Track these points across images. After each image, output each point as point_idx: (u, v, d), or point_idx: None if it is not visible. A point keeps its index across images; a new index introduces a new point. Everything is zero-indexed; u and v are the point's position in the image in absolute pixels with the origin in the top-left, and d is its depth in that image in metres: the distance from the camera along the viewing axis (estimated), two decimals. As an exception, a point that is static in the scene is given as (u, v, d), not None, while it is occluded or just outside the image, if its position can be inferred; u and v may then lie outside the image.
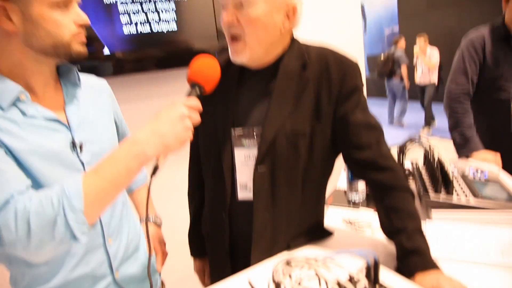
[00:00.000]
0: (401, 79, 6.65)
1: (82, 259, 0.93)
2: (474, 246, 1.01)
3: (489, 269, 0.91)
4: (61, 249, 0.84)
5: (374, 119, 0.97)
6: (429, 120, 6.41)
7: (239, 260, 1.03)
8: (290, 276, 0.60)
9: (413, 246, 0.86)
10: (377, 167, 0.94)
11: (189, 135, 0.79)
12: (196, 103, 0.81)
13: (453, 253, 0.98)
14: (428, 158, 1.32)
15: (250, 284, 0.57)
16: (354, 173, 1.03)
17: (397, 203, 0.91)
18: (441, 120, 6.26)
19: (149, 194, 0.86)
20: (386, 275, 0.75)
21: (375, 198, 0.97)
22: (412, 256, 0.85)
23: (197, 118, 0.81)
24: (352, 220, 1.17)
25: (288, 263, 0.61)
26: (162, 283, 1.22)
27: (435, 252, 0.88)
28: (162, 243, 1.20)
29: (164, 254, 1.18)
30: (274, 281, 0.59)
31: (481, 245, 1.01)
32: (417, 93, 6.60)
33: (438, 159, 1.23)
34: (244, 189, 1.01)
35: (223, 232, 1.06)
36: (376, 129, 0.96)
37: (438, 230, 1.09)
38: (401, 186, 0.93)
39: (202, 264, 1.30)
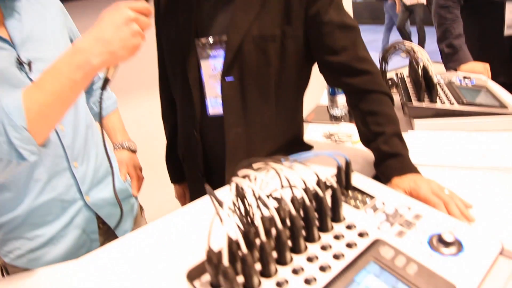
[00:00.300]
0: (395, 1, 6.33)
1: (48, 184, 0.89)
2: (458, 152, 0.97)
3: (472, 173, 0.88)
4: (13, 171, 0.80)
5: (350, 19, 0.88)
6: (422, 42, 6.22)
7: (215, 181, 1.00)
8: (251, 179, 0.55)
9: (390, 150, 0.82)
10: (353, 71, 0.87)
11: (138, 41, 0.70)
12: (143, 5, 0.71)
13: (436, 159, 0.95)
14: (412, 65, 1.25)
15: (209, 191, 0.52)
16: (330, 81, 0.96)
17: (374, 106, 0.85)
18: (429, 43, 6.05)
19: (102, 106, 0.79)
20: (360, 179, 0.72)
21: (351, 104, 0.91)
22: (390, 160, 0.81)
23: (147, 22, 0.72)
24: (332, 133, 1.12)
25: (251, 166, 0.56)
26: (141, 208, 1.20)
27: (417, 159, 0.85)
28: (137, 168, 1.17)
29: (140, 179, 1.15)
30: (235, 184, 0.55)
31: (465, 150, 0.97)
32: (403, 13, 6.27)
33: (423, 66, 1.15)
34: (214, 103, 0.94)
35: (196, 153, 1.01)
36: (352, 30, 0.88)
37: (421, 139, 1.05)
38: (378, 89, 0.86)
39: (182, 189, 1.28)
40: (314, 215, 0.56)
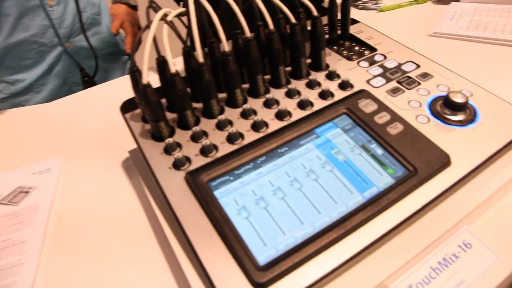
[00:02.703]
0: None
1: (19, 21, 0.80)
2: (507, 26, 0.76)
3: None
4: None
5: None
6: None
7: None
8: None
9: None
10: None
11: None
12: None
13: (483, 33, 0.74)
14: None
15: None
16: None
17: None
18: None
19: None
20: (363, 29, 0.55)
21: None
22: None
23: None
24: None
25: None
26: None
27: (463, 32, 0.66)
28: (135, 25, 1.04)
29: (135, 35, 1.03)
30: None
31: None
32: None
33: None
34: None
35: None
36: None
37: (468, 11, 0.83)
38: None
39: None
40: (280, 50, 0.43)
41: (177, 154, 0.37)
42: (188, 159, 0.38)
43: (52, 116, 0.67)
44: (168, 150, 0.39)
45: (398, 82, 0.46)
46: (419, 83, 0.46)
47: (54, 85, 0.89)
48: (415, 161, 0.36)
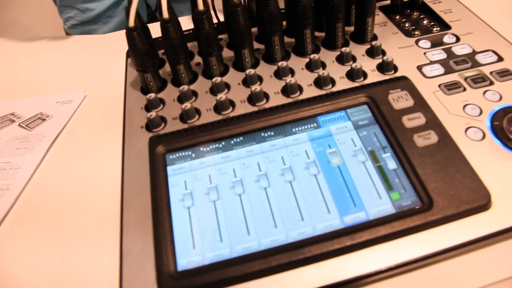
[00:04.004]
0: None
1: None
2: None
3: None
4: None
5: None
6: None
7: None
8: None
9: None
10: None
11: None
12: None
13: None
14: None
15: None
16: None
17: None
18: None
19: None
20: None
21: None
22: None
23: None
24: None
25: None
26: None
27: None
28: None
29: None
30: None
31: None
32: None
33: None
34: None
35: None
36: None
37: None
38: None
39: None
40: (310, 9, 0.34)
41: (152, 113, 0.32)
42: (164, 121, 0.33)
43: (102, 48, 0.66)
44: (148, 107, 0.34)
45: (462, 76, 0.34)
46: (491, 83, 0.33)
47: (120, 19, 0.89)
48: (436, 191, 0.26)
